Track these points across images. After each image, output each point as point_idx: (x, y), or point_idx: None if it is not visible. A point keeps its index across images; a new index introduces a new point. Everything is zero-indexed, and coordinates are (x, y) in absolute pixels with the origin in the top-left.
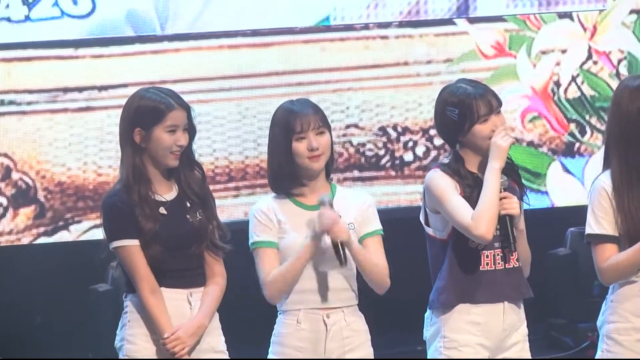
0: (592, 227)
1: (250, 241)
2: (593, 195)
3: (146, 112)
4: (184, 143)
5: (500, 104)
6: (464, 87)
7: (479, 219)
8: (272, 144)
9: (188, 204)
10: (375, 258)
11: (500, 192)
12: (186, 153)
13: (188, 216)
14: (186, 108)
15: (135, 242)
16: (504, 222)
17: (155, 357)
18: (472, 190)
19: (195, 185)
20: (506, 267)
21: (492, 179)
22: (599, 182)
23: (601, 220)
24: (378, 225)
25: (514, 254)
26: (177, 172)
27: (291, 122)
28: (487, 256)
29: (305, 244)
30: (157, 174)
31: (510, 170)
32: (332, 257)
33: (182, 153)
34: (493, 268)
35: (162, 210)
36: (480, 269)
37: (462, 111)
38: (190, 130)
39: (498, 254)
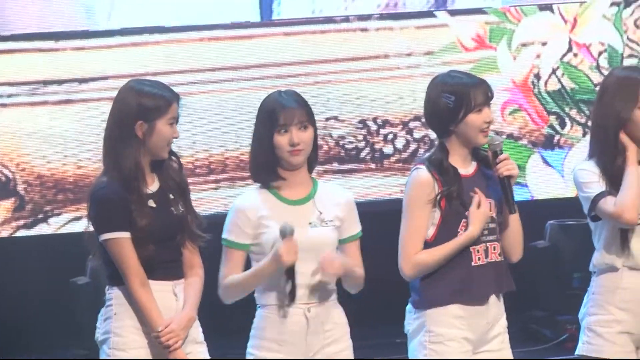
0: (591, 193)
1: (222, 235)
2: (580, 177)
3: (150, 104)
4: (178, 135)
5: (492, 96)
6: (459, 76)
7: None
8: (255, 133)
9: (171, 196)
10: (356, 265)
11: (499, 153)
12: None
13: (172, 208)
14: (178, 99)
15: (126, 235)
16: (504, 183)
17: (145, 349)
18: (450, 186)
19: (175, 175)
20: (489, 260)
21: None
22: (583, 168)
23: (594, 185)
24: (359, 227)
25: (496, 247)
26: (158, 163)
27: (275, 114)
28: (478, 251)
29: (266, 263)
30: (146, 167)
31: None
32: (314, 254)
33: None
34: (485, 262)
35: (152, 203)
36: (472, 264)
37: (459, 98)
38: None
39: (485, 249)
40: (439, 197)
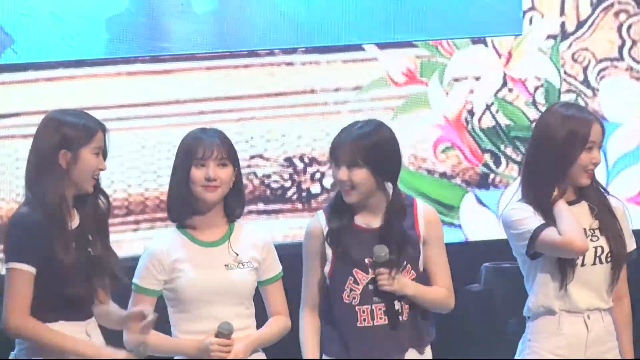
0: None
1: (133, 279)
2: (512, 215)
3: (72, 133)
4: (104, 167)
5: None
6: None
7: None
8: (173, 168)
9: (90, 236)
10: (279, 307)
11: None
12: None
13: (90, 249)
14: (104, 130)
15: (32, 270)
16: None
17: None
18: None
19: (98, 214)
20: (390, 322)
21: None
22: (514, 207)
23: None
24: (278, 268)
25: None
26: (81, 198)
27: (193, 147)
28: (364, 312)
29: (188, 346)
30: (70, 201)
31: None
32: (231, 296)
33: None
34: (371, 324)
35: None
36: (357, 325)
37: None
38: (104, 153)
39: (380, 309)
40: None
